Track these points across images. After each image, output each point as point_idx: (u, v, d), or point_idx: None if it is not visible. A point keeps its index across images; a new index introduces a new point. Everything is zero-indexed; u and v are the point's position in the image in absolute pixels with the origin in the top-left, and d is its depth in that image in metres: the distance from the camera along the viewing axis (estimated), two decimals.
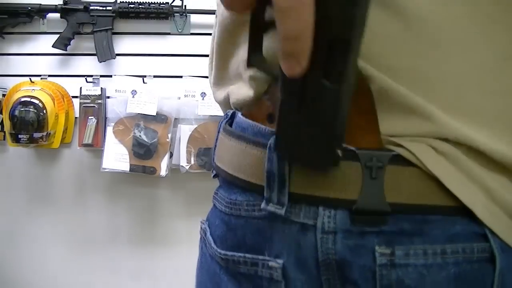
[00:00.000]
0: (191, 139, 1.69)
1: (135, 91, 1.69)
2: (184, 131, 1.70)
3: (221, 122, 0.47)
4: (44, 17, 1.73)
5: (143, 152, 1.68)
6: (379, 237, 0.34)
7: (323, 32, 0.29)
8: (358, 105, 0.34)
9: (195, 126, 1.70)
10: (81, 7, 1.71)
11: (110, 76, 1.75)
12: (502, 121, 0.34)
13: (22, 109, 1.64)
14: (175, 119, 1.71)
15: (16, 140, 1.65)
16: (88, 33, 1.73)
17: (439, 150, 0.34)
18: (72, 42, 1.73)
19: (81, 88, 1.75)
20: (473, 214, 0.34)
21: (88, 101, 1.74)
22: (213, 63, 0.49)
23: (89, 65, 1.76)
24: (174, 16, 1.70)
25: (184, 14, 1.69)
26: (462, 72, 0.33)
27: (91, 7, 1.71)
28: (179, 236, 1.79)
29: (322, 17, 0.28)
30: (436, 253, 0.34)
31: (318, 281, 0.36)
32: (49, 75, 1.77)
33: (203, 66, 1.72)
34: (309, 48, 0.29)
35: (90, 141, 1.73)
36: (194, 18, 1.71)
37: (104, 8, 1.71)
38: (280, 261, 0.36)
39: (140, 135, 1.69)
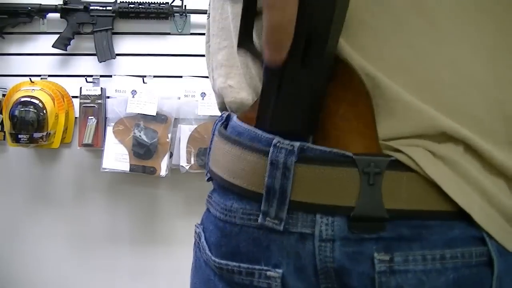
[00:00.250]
0: (191, 139, 1.69)
1: (135, 91, 1.69)
2: (184, 131, 1.70)
3: (216, 124, 0.46)
4: (44, 17, 1.73)
5: (143, 152, 1.68)
6: (377, 244, 0.34)
7: (303, 25, 0.32)
8: (356, 108, 0.34)
9: (195, 126, 1.70)
10: (81, 7, 1.71)
11: (110, 76, 1.75)
12: (493, 114, 0.34)
13: (22, 109, 1.64)
14: (175, 119, 1.71)
15: (16, 140, 1.65)
16: (88, 33, 1.73)
17: (437, 154, 0.33)
18: (72, 42, 1.73)
19: (81, 88, 1.75)
20: (470, 218, 0.33)
21: (88, 101, 1.74)
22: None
23: (89, 65, 1.76)
24: (174, 16, 1.69)
25: (184, 14, 1.69)
26: (454, 62, 0.33)
27: (91, 7, 1.71)
28: (179, 236, 1.79)
29: (304, 11, 0.31)
30: (435, 258, 0.33)
31: None
32: (49, 75, 1.77)
33: (203, 66, 1.71)
34: (290, 39, 0.31)
35: (90, 141, 1.73)
36: (194, 18, 1.71)
37: (104, 8, 1.71)
38: (280, 270, 0.36)
39: (140, 135, 1.69)
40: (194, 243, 0.45)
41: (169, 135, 1.70)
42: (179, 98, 1.71)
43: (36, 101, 1.64)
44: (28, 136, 1.64)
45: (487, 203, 0.34)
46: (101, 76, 1.76)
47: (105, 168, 1.71)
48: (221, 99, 0.46)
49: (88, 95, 1.74)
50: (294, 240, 0.35)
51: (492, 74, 0.33)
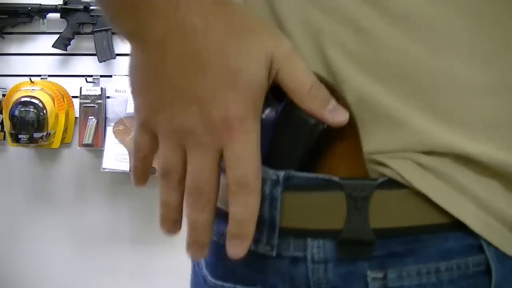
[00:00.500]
0: None
1: None
2: None
3: None
4: (44, 17, 1.73)
5: None
6: (370, 262, 0.33)
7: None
8: (341, 131, 0.34)
9: None
10: (81, 7, 1.71)
11: (110, 76, 1.75)
12: (489, 121, 0.34)
13: (22, 109, 1.64)
14: None
15: (16, 140, 1.65)
16: (88, 33, 1.73)
17: (425, 166, 0.33)
18: (72, 42, 1.73)
19: (81, 88, 1.75)
20: (466, 227, 0.33)
21: (88, 101, 1.74)
22: None
23: (89, 65, 1.76)
24: None
25: None
26: (450, 69, 0.33)
27: (91, 7, 1.71)
28: (179, 236, 1.78)
29: None
30: (430, 272, 0.33)
31: None
32: (49, 75, 1.77)
33: None
34: (252, 233, 0.33)
35: (90, 141, 1.73)
36: None
37: None
38: None
39: None
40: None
41: None
42: None
43: (36, 101, 1.65)
44: (28, 136, 1.64)
45: (481, 210, 0.33)
46: (101, 76, 1.76)
47: (105, 168, 1.71)
48: None
49: (88, 95, 1.74)
50: (288, 264, 0.35)
51: (489, 80, 0.33)
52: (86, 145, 1.75)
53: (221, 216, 0.38)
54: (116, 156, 1.71)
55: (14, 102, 1.65)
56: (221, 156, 0.32)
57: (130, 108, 1.68)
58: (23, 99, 1.65)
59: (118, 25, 0.32)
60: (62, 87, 1.76)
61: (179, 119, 0.32)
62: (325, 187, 0.34)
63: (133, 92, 0.34)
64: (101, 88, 1.74)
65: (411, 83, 0.33)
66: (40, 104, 1.64)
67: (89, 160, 1.82)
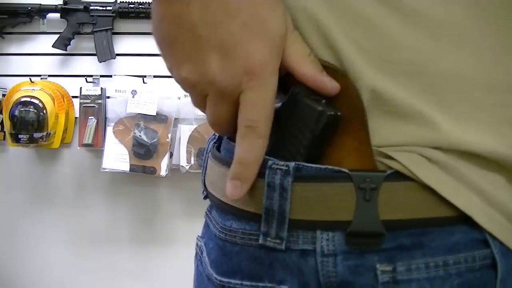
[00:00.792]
0: (191, 139, 1.69)
1: (135, 91, 1.69)
2: (184, 131, 1.70)
3: (209, 143, 0.45)
4: (44, 17, 1.73)
5: (143, 152, 1.68)
6: (379, 255, 0.34)
7: None
8: (350, 124, 0.34)
9: (195, 126, 1.70)
10: (81, 7, 1.71)
11: (110, 76, 1.75)
12: (498, 119, 0.34)
13: (22, 109, 1.64)
14: (175, 119, 1.71)
15: (16, 140, 1.65)
16: (88, 33, 1.73)
17: (432, 159, 0.33)
18: (72, 42, 1.73)
19: (81, 88, 1.75)
20: (471, 221, 0.33)
21: (88, 101, 1.74)
22: None
23: (89, 65, 1.76)
24: None
25: None
26: (460, 67, 0.33)
27: (91, 7, 1.71)
28: (179, 236, 1.79)
29: None
30: (438, 265, 0.33)
31: None
32: (49, 75, 1.77)
33: None
34: (253, 178, 0.34)
35: (90, 141, 1.73)
36: None
37: (104, 8, 1.71)
38: (285, 287, 0.35)
39: (140, 135, 1.69)
40: (196, 255, 0.45)
41: (169, 135, 1.70)
42: (179, 98, 1.71)
43: (36, 101, 1.65)
44: (28, 136, 1.64)
45: (487, 203, 0.34)
46: (101, 76, 1.76)
47: (105, 168, 1.71)
48: None
49: (88, 95, 1.74)
50: (296, 257, 0.35)
51: (496, 78, 0.33)
52: (86, 145, 1.75)
53: (227, 211, 0.38)
54: (116, 156, 1.71)
55: (14, 102, 1.65)
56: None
57: (130, 108, 1.69)
58: (23, 99, 1.65)
59: None
60: (62, 87, 1.76)
61: (200, 69, 0.33)
62: (335, 178, 0.34)
63: (158, 47, 0.35)
64: (101, 88, 1.74)
65: (421, 79, 0.33)
66: (40, 104, 1.64)
67: (89, 160, 1.82)
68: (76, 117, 1.77)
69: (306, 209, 0.34)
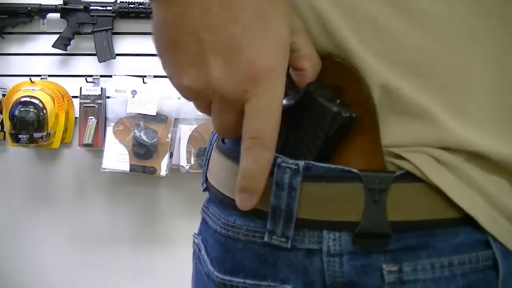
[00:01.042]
0: (191, 139, 1.69)
1: (135, 91, 1.69)
2: (184, 131, 1.70)
3: (213, 134, 0.45)
4: (44, 17, 1.73)
5: (143, 152, 1.68)
6: (385, 255, 0.34)
7: None
8: (361, 125, 0.34)
9: (195, 126, 1.70)
10: (81, 7, 1.71)
11: (110, 76, 1.75)
12: (502, 120, 0.34)
13: (22, 109, 1.64)
14: (175, 119, 1.71)
15: (16, 140, 1.65)
16: (88, 33, 1.73)
17: (440, 160, 0.33)
18: (72, 42, 1.73)
19: (81, 88, 1.75)
20: (474, 222, 0.33)
21: (88, 101, 1.74)
22: None
23: (89, 65, 1.76)
24: None
25: None
26: (465, 68, 0.33)
27: (91, 7, 1.71)
28: (179, 236, 1.79)
29: None
30: (444, 266, 0.33)
31: None
32: (49, 75, 1.77)
33: None
34: (262, 189, 0.33)
35: (90, 141, 1.73)
36: None
37: (104, 8, 1.71)
38: (288, 286, 0.35)
39: (140, 135, 1.69)
40: (194, 254, 0.44)
41: (169, 135, 1.70)
42: (179, 98, 1.70)
43: (36, 101, 1.64)
44: (28, 136, 1.64)
45: (490, 205, 0.34)
46: (101, 76, 1.76)
47: (105, 168, 1.71)
48: None
49: (88, 95, 1.74)
50: (302, 256, 0.35)
51: (503, 80, 0.33)
52: (86, 145, 1.75)
53: (230, 206, 0.38)
54: (116, 156, 1.71)
55: (14, 102, 1.65)
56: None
57: (130, 108, 1.69)
58: (23, 99, 1.65)
59: None
60: (62, 87, 1.76)
61: (203, 75, 0.31)
62: (344, 179, 0.34)
63: (159, 54, 0.34)
64: (101, 88, 1.74)
65: (428, 80, 0.33)
66: (40, 104, 1.64)
67: (89, 160, 1.82)
68: (76, 117, 1.77)
69: (314, 209, 0.34)
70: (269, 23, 0.31)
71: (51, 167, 1.85)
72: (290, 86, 0.34)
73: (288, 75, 0.33)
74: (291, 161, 0.34)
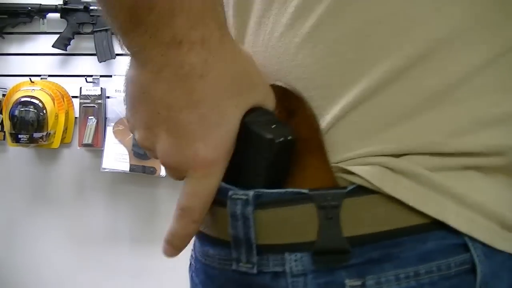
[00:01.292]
0: None
1: None
2: None
3: None
4: (44, 17, 1.73)
5: (143, 152, 1.68)
6: (348, 271, 0.33)
7: None
8: (309, 144, 0.34)
9: None
10: (81, 7, 1.71)
11: (110, 76, 1.75)
12: (501, 127, 0.33)
13: (22, 109, 1.64)
14: None
15: (16, 140, 1.65)
16: (88, 33, 1.73)
17: (396, 169, 0.33)
18: (72, 42, 1.73)
19: (81, 88, 1.75)
20: (447, 226, 0.32)
21: (88, 101, 1.75)
22: None
23: (89, 65, 1.76)
24: None
25: None
26: (467, 73, 0.33)
27: (91, 7, 1.71)
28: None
29: None
30: (409, 276, 0.32)
31: None
32: (49, 75, 1.77)
33: None
34: (184, 247, 0.37)
35: (90, 141, 1.74)
36: None
37: None
38: None
39: None
40: (190, 266, 0.45)
41: None
42: None
43: (36, 101, 1.65)
44: (28, 136, 1.65)
45: (463, 206, 0.33)
46: (101, 76, 1.76)
47: (105, 168, 1.71)
48: None
49: (88, 95, 1.74)
50: (269, 279, 0.35)
51: (501, 85, 0.33)
52: (86, 145, 1.75)
53: (204, 237, 0.39)
54: (116, 156, 1.71)
55: (14, 102, 1.65)
56: None
57: None
58: (23, 99, 1.65)
59: (122, 36, 0.33)
60: (62, 87, 1.76)
61: (151, 142, 0.34)
62: (295, 201, 0.34)
63: (124, 99, 0.36)
64: (101, 88, 1.74)
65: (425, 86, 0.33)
66: (40, 104, 1.64)
67: (89, 160, 1.82)
68: (76, 117, 1.77)
69: (271, 234, 0.35)
70: (224, 117, 0.32)
71: (51, 167, 1.85)
72: None
73: None
74: (241, 192, 0.35)
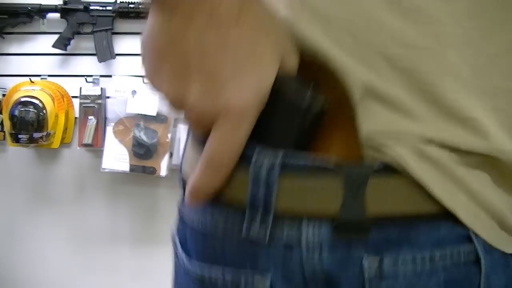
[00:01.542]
0: None
1: (135, 91, 1.69)
2: (184, 131, 1.70)
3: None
4: (44, 17, 1.73)
5: (143, 152, 1.68)
6: (366, 248, 0.33)
7: None
8: (338, 117, 0.34)
9: None
10: (81, 7, 1.71)
11: (110, 76, 1.75)
12: (491, 121, 0.34)
13: (22, 109, 1.64)
14: (175, 119, 1.71)
15: (16, 140, 1.65)
16: (88, 33, 1.73)
17: (423, 154, 0.33)
18: (72, 42, 1.73)
19: (81, 88, 1.75)
20: (456, 217, 0.33)
21: (88, 101, 1.75)
22: None
23: (89, 65, 1.76)
24: None
25: None
26: (457, 67, 0.33)
27: (91, 7, 1.71)
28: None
29: None
30: (425, 259, 0.33)
31: None
32: (49, 75, 1.77)
33: None
34: (204, 201, 0.35)
35: (90, 141, 1.74)
36: None
37: (104, 8, 1.71)
38: (267, 279, 0.35)
39: (140, 135, 1.69)
40: (173, 253, 0.44)
41: (169, 135, 1.70)
42: None
43: (36, 101, 1.65)
44: (28, 136, 1.65)
45: (473, 201, 0.34)
46: (101, 76, 1.76)
47: (105, 168, 1.71)
48: None
49: (88, 95, 1.74)
50: (281, 249, 0.34)
51: (492, 82, 0.33)
52: (86, 145, 1.75)
53: (211, 204, 0.37)
54: (116, 156, 1.71)
55: (14, 102, 1.65)
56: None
57: (130, 108, 1.69)
58: (23, 99, 1.65)
59: None
60: (62, 87, 1.76)
61: (181, 90, 0.32)
62: (321, 172, 0.33)
63: (143, 56, 0.34)
64: (101, 88, 1.74)
65: (416, 77, 0.33)
66: (40, 104, 1.64)
67: (89, 160, 1.82)
68: (76, 117, 1.77)
69: (291, 202, 0.34)
70: (260, 64, 0.31)
71: (51, 167, 1.85)
72: None
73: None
74: (268, 152, 0.34)
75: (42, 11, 1.72)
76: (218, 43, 0.30)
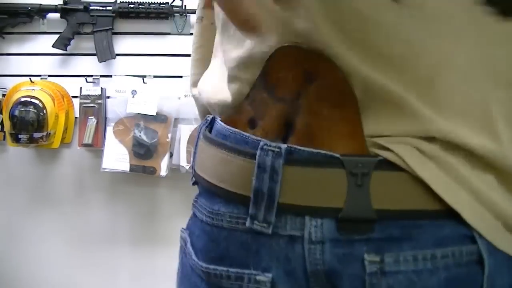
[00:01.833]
0: (191, 139, 1.69)
1: (135, 91, 1.69)
2: (184, 131, 1.70)
3: (201, 128, 0.45)
4: (44, 17, 1.73)
5: (143, 152, 1.68)
6: (367, 245, 0.33)
7: None
8: (342, 110, 0.34)
9: (195, 126, 1.70)
10: (81, 7, 1.71)
11: (110, 76, 1.75)
12: (490, 113, 0.34)
13: (22, 109, 1.64)
14: (175, 119, 1.71)
15: (16, 140, 1.65)
16: (88, 33, 1.73)
17: (426, 152, 0.33)
18: (72, 42, 1.73)
19: (81, 88, 1.75)
20: (460, 217, 0.33)
21: (88, 101, 1.74)
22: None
23: (89, 65, 1.76)
24: (174, 16, 1.69)
25: (184, 14, 1.69)
26: (453, 60, 0.33)
27: (91, 7, 1.71)
28: (179, 236, 1.78)
29: None
30: (426, 258, 0.33)
31: None
32: (49, 75, 1.76)
33: None
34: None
35: (90, 141, 1.73)
36: (194, 18, 1.71)
37: (104, 8, 1.71)
38: (269, 274, 0.35)
39: (140, 135, 1.69)
40: (180, 249, 0.44)
41: (169, 135, 1.70)
42: (179, 98, 1.71)
43: (36, 101, 1.64)
44: (28, 136, 1.64)
45: (476, 201, 0.33)
46: (101, 76, 1.76)
47: (105, 168, 1.71)
48: (201, 101, 0.46)
49: (88, 95, 1.74)
50: (284, 243, 0.35)
51: (490, 73, 0.33)
52: (86, 145, 1.75)
53: (215, 194, 0.38)
54: (116, 156, 1.71)
55: (14, 102, 1.65)
56: None
57: (130, 108, 1.69)
58: (23, 99, 1.65)
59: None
60: (62, 87, 1.76)
61: None
62: (326, 164, 0.34)
63: None
64: (101, 88, 1.74)
65: (415, 74, 0.33)
66: (40, 104, 1.64)
67: (89, 160, 1.82)
68: (76, 117, 1.77)
69: (296, 194, 0.34)
70: None
71: (51, 167, 1.85)
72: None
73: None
74: (274, 144, 0.34)
75: (42, 11, 1.72)
76: None
